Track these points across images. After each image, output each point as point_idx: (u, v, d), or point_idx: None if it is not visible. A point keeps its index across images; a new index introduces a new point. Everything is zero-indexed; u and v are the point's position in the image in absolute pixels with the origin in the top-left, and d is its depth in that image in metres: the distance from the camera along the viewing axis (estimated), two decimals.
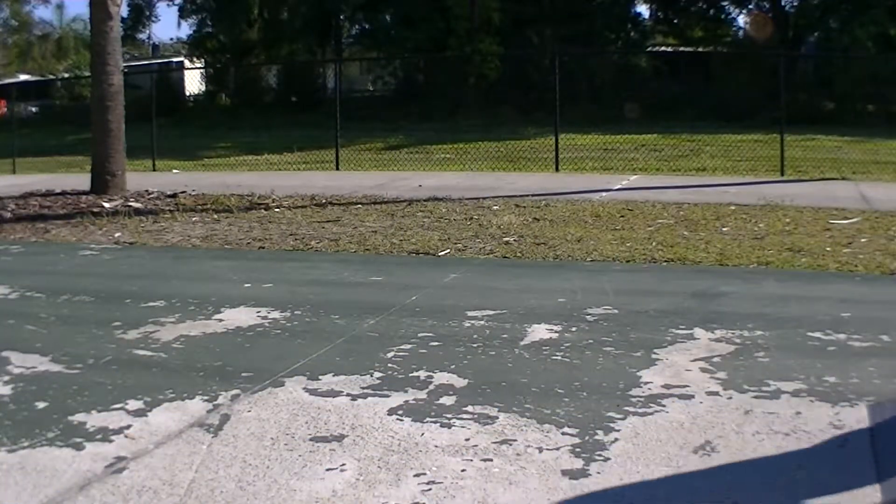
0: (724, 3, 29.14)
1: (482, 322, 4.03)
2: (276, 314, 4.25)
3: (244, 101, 28.09)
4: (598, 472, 2.43)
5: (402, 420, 2.84)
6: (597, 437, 2.67)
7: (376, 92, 31.82)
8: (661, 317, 4.07)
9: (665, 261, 5.56)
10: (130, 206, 8.59)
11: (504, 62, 24.10)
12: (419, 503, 2.28)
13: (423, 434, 2.72)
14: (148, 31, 42.05)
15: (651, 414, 2.85)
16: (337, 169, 12.98)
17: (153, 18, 40.25)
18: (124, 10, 27.98)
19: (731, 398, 2.98)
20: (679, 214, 7.52)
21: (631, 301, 4.39)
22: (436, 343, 3.71)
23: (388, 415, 2.88)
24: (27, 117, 27.18)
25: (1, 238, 7.19)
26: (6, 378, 3.33)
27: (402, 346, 3.65)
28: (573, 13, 25.29)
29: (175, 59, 37.38)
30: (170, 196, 9.36)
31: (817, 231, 6.61)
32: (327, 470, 2.48)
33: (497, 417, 2.84)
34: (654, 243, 6.10)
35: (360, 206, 8.49)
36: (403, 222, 7.34)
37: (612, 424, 2.76)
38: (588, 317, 4.10)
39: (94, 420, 2.88)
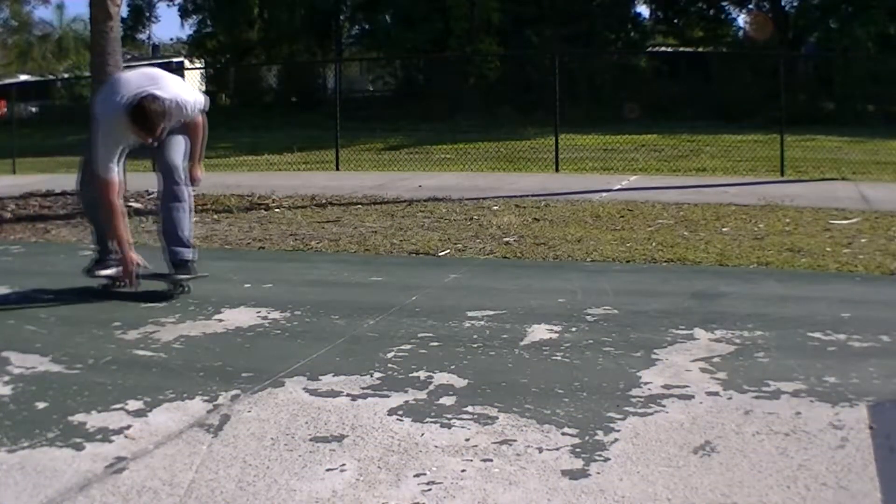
0: (724, 3, 29.19)
1: (482, 322, 4.03)
2: (276, 314, 4.25)
3: (244, 101, 28.10)
4: (598, 472, 2.43)
5: (402, 420, 2.84)
6: (597, 437, 2.67)
7: (376, 92, 31.83)
8: (661, 317, 4.07)
9: (665, 261, 5.56)
10: (130, 206, 8.55)
11: (504, 62, 24.12)
12: (419, 503, 2.28)
13: (423, 434, 2.72)
14: (148, 32, 42.07)
15: (651, 414, 2.85)
16: (337, 169, 12.99)
17: (153, 19, 40.29)
18: (124, 11, 27.97)
19: (731, 398, 2.98)
20: (679, 215, 7.52)
21: (631, 301, 4.39)
22: (436, 343, 3.71)
23: (388, 415, 2.88)
24: (27, 117, 27.18)
25: (1, 238, 7.19)
26: (6, 378, 3.33)
27: (402, 347, 3.65)
28: (573, 13, 25.30)
29: (175, 60, 37.39)
30: None
31: (817, 231, 6.61)
32: (327, 470, 2.48)
33: (497, 418, 2.84)
34: (654, 243, 6.10)
35: (360, 206, 8.49)
36: (403, 222, 7.34)
37: (612, 424, 2.76)
38: (588, 317, 4.10)
39: (94, 420, 2.88)
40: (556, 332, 3.85)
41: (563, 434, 2.70)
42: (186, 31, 72.18)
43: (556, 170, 12.30)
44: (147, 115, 4.13)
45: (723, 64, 24.38)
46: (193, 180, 4.77)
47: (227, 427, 2.80)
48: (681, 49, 29.28)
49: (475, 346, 3.66)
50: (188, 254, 4.64)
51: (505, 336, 3.80)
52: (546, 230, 6.79)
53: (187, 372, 3.37)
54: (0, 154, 15.41)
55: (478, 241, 6.39)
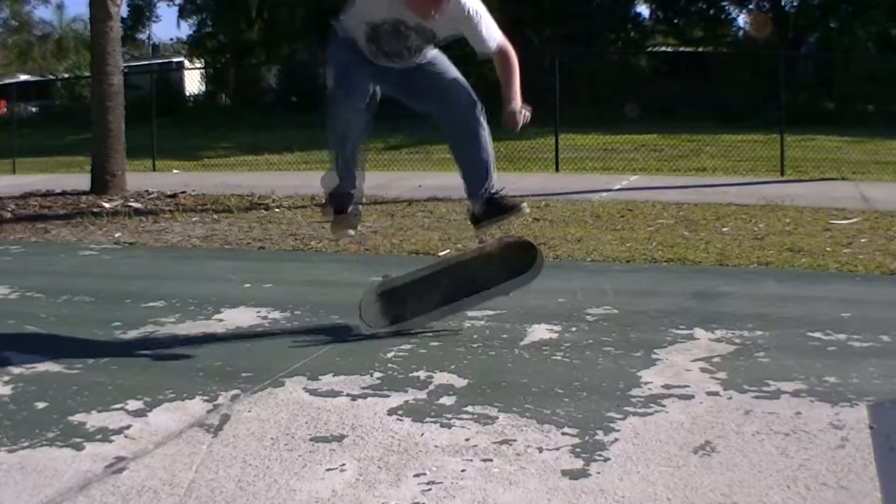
0: (724, 3, 29.14)
1: (482, 322, 4.03)
2: (276, 314, 4.24)
3: (244, 101, 28.05)
4: (598, 472, 2.43)
5: (402, 420, 2.84)
6: (597, 437, 2.67)
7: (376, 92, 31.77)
8: (661, 317, 4.07)
9: (665, 261, 5.56)
10: (130, 206, 8.59)
11: None
12: (419, 503, 2.28)
13: (423, 434, 2.72)
14: (148, 32, 42.10)
15: (651, 414, 2.85)
16: None
17: (153, 19, 40.23)
18: (124, 10, 27.96)
19: (731, 398, 2.98)
20: (679, 214, 7.52)
21: (631, 301, 4.39)
22: (436, 343, 3.71)
23: (388, 415, 2.88)
24: (27, 117, 27.17)
25: (1, 238, 7.19)
26: (6, 378, 3.33)
27: (402, 347, 3.65)
28: (573, 13, 25.26)
29: (175, 59, 37.41)
30: (170, 196, 9.36)
31: (817, 231, 6.61)
32: (327, 470, 2.48)
33: (497, 417, 2.84)
34: (654, 243, 6.10)
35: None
36: (403, 222, 7.34)
37: (612, 424, 2.76)
38: (588, 317, 4.10)
39: (94, 420, 2.88)
40: (556, 332, 3.85)
41: (563, 434, 2.69)
42: (186, 31, 72.22)
43: (557, 170, 12.31)
44: None
45: (723, 64, 24.35)
46: (515, 120, 3.65)
47: (227, 427, 2.80)
48: (681, 49, 29.26)
49: (475, 346, 3.66)
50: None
51: (505, 336, 3.80)
52: (546, 230, 6.79)
53: (187, 372, 3.37)
54: (0, 154, 15.41)
55: (478, 240, 6.38)
